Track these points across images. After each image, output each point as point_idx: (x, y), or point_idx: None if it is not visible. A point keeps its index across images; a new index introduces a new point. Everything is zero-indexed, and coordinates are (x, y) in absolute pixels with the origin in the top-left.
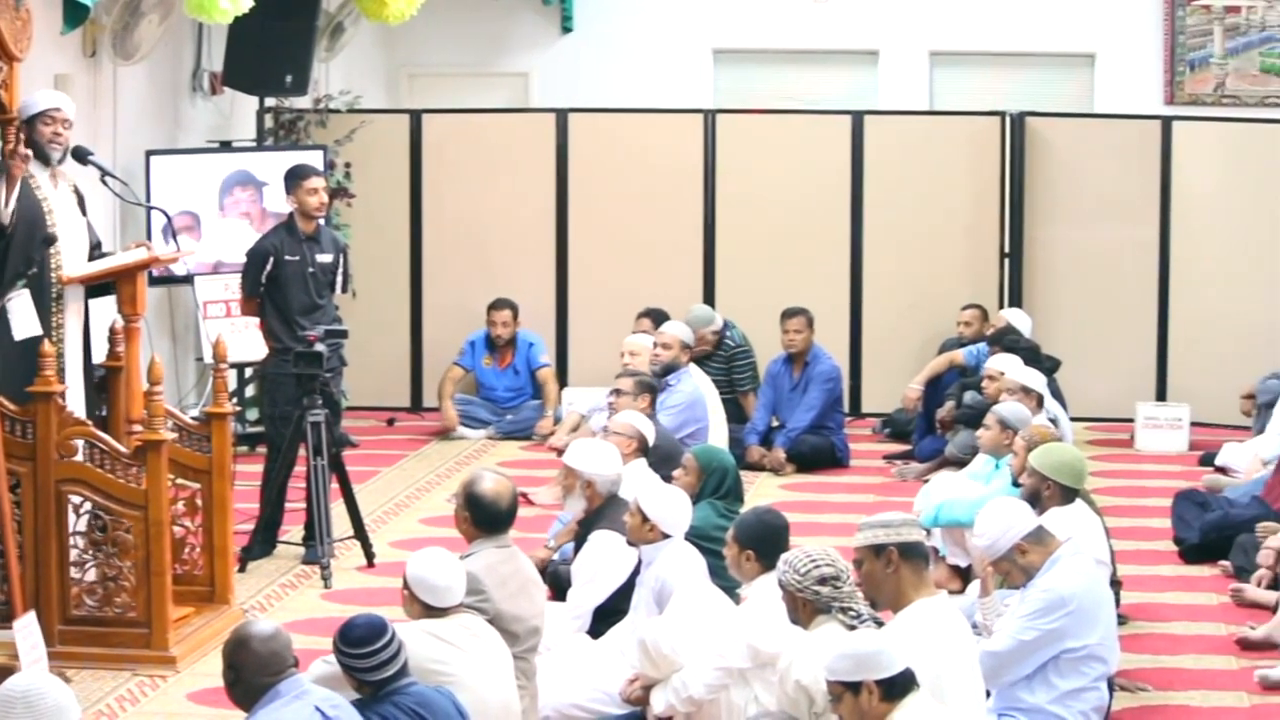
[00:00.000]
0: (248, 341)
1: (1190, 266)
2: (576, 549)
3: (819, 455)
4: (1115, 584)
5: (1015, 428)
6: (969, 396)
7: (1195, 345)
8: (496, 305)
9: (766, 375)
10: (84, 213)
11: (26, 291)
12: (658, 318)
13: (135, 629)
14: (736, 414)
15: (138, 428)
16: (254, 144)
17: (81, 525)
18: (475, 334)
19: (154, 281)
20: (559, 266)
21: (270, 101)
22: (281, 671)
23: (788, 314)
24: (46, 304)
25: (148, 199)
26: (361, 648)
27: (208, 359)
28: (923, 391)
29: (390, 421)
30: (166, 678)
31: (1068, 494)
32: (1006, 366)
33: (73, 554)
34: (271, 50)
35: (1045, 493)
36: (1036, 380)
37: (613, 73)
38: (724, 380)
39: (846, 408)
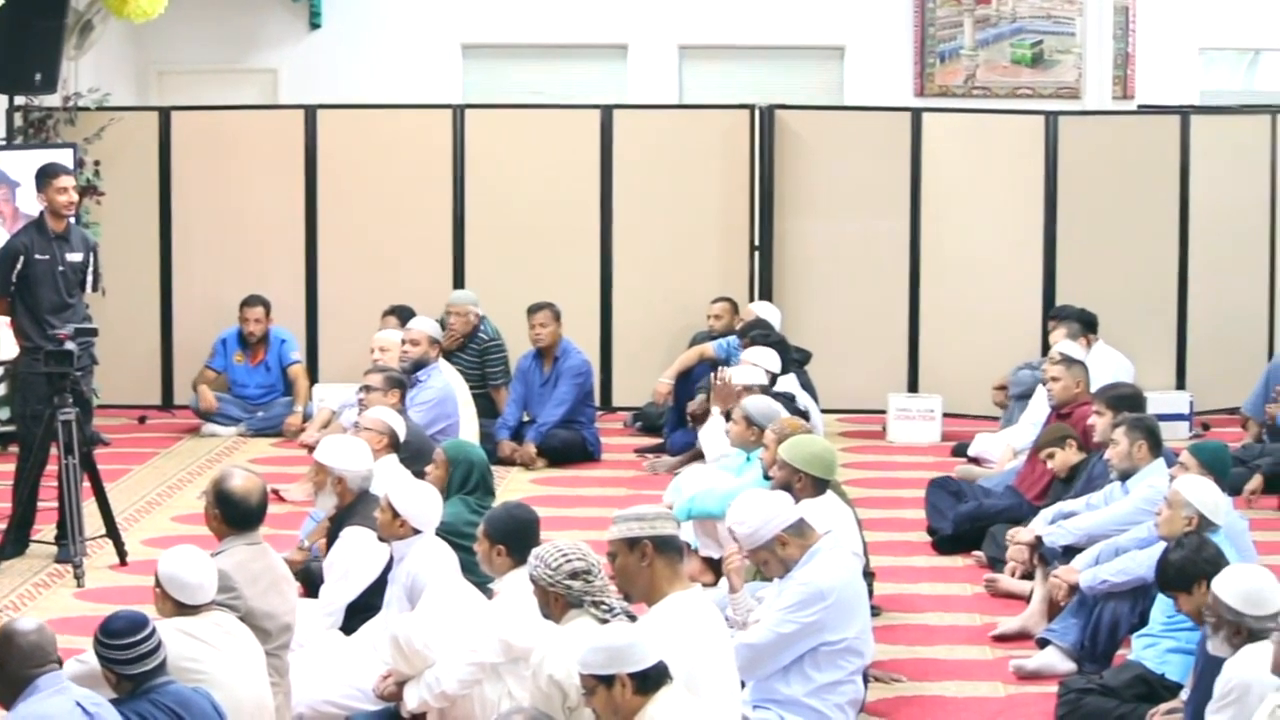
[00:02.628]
0: None
1: (941, 258)
2: (328, 545)
3: (570, 449)
4: (869, 575)
5: (761, 424)
6: None
7: (946, 336)
8: (249, 302)
9: (517, 370)
10: None
11: None
12: (403, 315)
13: None
14: (488, 409)
15: None
16: (3, 142)
17: None
18: (226, 331)
19: None
20: (309, 263)
21: (19, 100)
22: (44, 664)
23: (533, 309)
24: None
25: None
26: (121, 639)
27: None
28: (673, 385)
29: (141, 419)
30: None
31: (819, 485)
32: (759, 360)
33: None
34: (20, 48)
35: (796, 484)
36: (754, 376)
37: (361, 68)
38: (476, 374)
39: (597, 401)
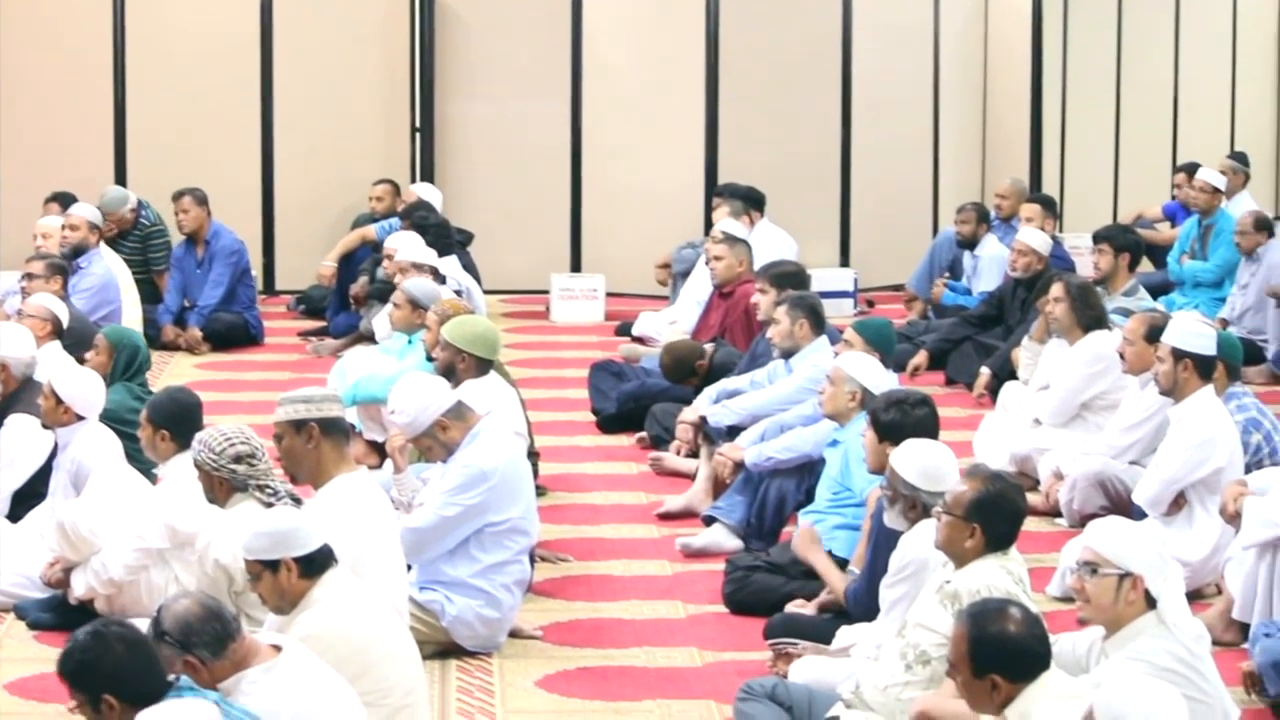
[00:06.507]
0: None
1: (602, 138)
2: None
3: (234, 333)
4: (533, 456)
5: (425, 305)
6: (382, 272)
7: (609, 216)
8: None
9: (173, 258)
10: None
11: None
12: (65, 200)
13: None
14: (152, 294)
15: None
16: None
17: None
18: None
19: None
20: None
21: None
22: None
23: (176, 196)
24: None
25: None
26: None
27: None
28: (336, 268)
29: None
30: None
31: (482, 366)
32: (402, 246)
33: None
34: None
35: (460, 366)
36: (425, 254)
37: None
38: (139, 260)
39: (261, 285)
